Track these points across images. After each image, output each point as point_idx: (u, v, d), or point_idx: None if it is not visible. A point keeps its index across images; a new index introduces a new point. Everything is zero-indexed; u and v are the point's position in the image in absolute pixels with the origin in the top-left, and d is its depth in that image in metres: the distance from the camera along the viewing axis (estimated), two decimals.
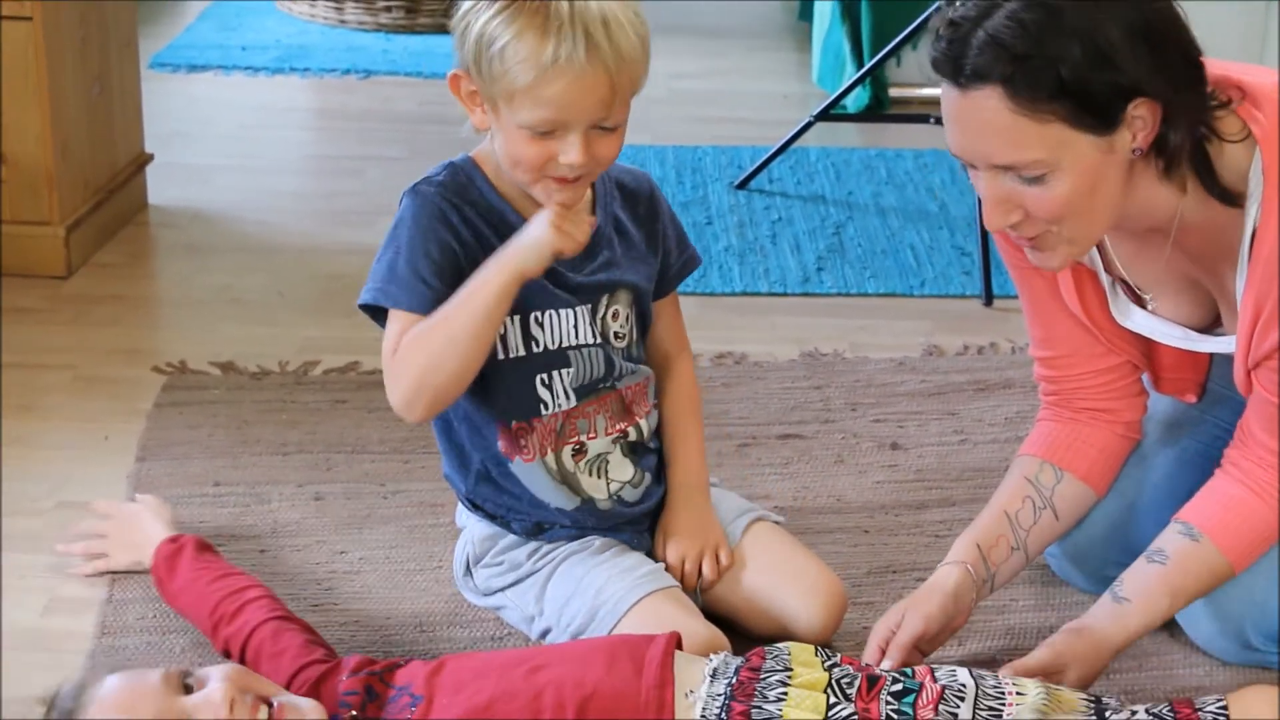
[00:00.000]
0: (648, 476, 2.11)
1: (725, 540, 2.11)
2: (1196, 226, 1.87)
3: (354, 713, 1.76)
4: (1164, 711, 1.75)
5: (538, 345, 2.01)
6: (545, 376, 2.02)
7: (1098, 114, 1.72)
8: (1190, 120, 1.77)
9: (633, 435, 2.09)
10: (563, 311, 2.01)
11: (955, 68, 1.74)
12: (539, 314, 2.01)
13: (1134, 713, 1.75)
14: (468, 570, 2.14)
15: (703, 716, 1.71)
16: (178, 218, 3.46)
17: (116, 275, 3.18)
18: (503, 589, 2.10)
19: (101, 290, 3.11)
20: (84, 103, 3.18)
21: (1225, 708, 1.75)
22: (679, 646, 1.82)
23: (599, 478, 2.07)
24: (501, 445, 2.05)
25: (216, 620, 1.98)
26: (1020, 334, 2.98)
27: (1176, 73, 1.74)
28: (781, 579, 2.08)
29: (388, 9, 4.77)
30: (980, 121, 1.75)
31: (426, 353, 1.91)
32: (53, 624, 2.14)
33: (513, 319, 1.99)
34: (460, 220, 1.97)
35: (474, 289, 1.91)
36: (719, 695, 1.73)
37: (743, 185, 3.64)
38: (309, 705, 1.74)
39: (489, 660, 1.81)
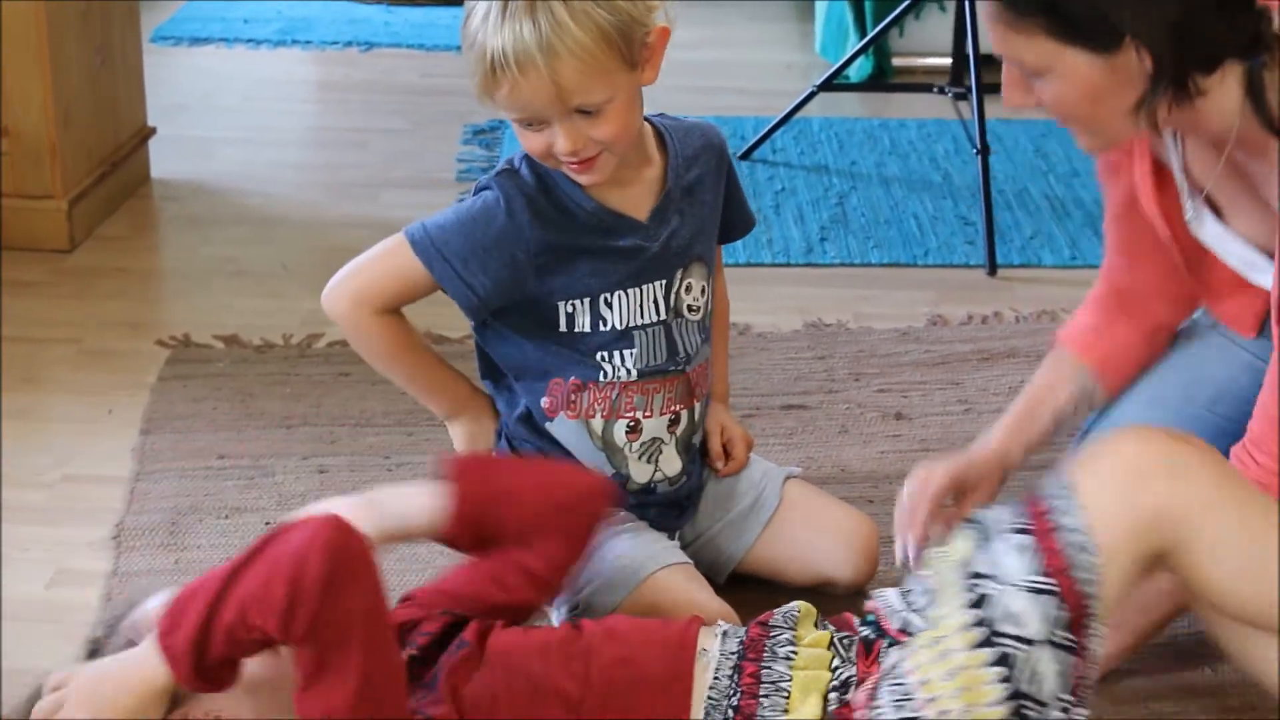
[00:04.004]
0: (686, 479, 2.11)
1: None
2: (1255, 146, 1.84)
3: (413, 652, 1.76)
4: (1022, 522, 1.62)
5: (604, 324, 2.01)
6: (606, 354, 2.02)
7: (1084, 36, 1.73)
8: (1199, 58, 1.74)
9: (684, 421, 2.08)
10: (631, 292, 2.00)
11: None
12: (608, 295, 2.00)
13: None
14: None
15: (715, 678, 1.72)
16: (181, 190, 3.45)
17: (119, 248, 3.18)
18: None
19: (105, 263, 3.11)
20: (86, 75, 3.17)
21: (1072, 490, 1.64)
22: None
23: (649, 463, 2.07)
24: (546, 402, 2.04)
25: None
26: (1023, 304, 2.99)
27: (1170, 11, 1.72)
28: (821, 531, 2.13)
29: None
30: (988, 20, 1.79)
31: (370, 356, 2.09)
32: (58, 596, 2.14)
33: (582, 301, 1.99)
34: (538, 221, 1.96)
35: (418, 386, 2.11)
36: (732, 654, 1.73)
37: (746, 156, 3.64)
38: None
39: (534, 637, 1.80)
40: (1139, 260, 2.12)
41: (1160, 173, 2.00)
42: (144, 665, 1.59)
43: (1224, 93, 1.79)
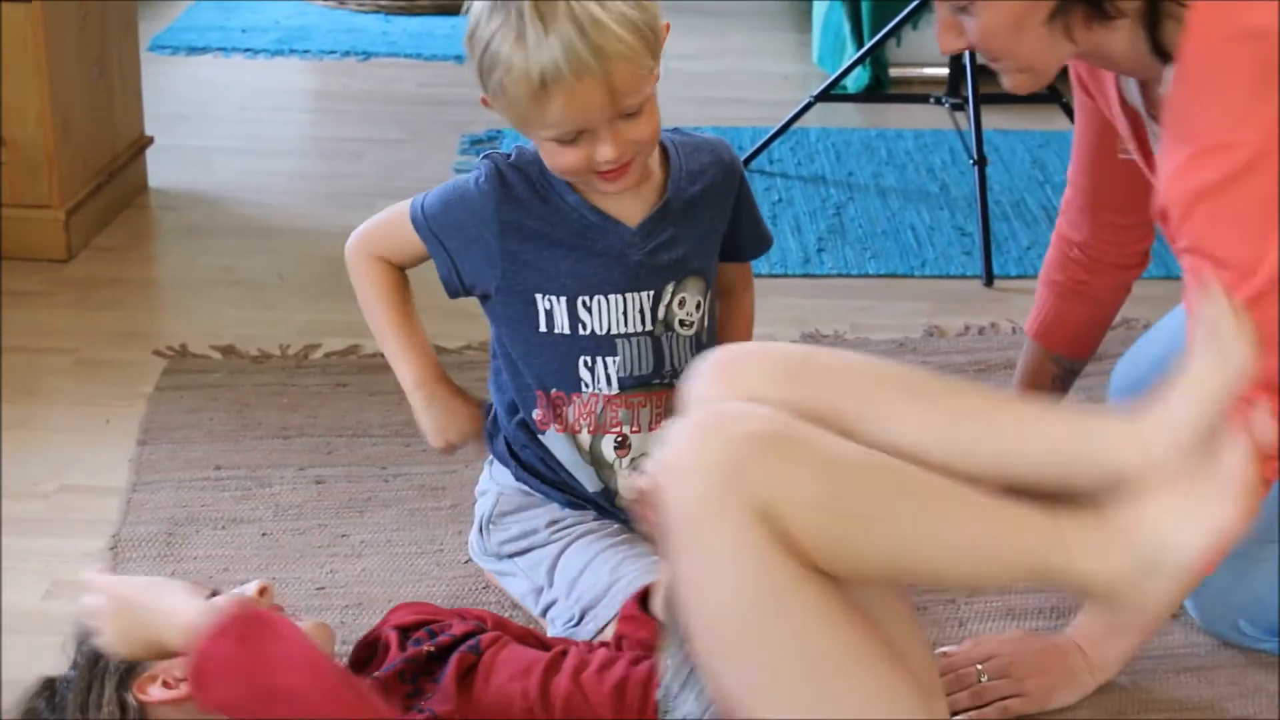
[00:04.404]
0: None
1: None
2: (1159, 79, 1.86)
3: (430, 649, 1.77)
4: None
5: (584, 328, 2.01)
6: (589, 359, 2.02)
7: None
8: None
9: None
10: (613, 298, 2.00)
11: None
12: (587, 298, 2.00)
13: None
14: (482, 529, 2.14)
15: None
16: (178, 200, 3.46)
17: (117, 258, 3.18)
18: (513, 555, 2.10)
19: (102, 273, 3.11)
20: (84, 85, 3.18)
21: None
22: None
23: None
24: (538, 414, 2.05)
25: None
26: (1020, 314, 2.98)
27: None
28: None
29: None
30: None
31: (359, 295, 2.12)
32: (55, 607, 2.14)
33: (559, 299, 2.00)
34: (507, 202, 1.98)
35: (390, 339, 2.10)
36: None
37: (742, 166, 3.64)
38: (310, 624, 1.76)
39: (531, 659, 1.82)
40: (1094, 215, 2.21)
41: (1136, 121, 2.00)
42: (174, 635, 1.65)
43: (1137, 23, 1.80)
